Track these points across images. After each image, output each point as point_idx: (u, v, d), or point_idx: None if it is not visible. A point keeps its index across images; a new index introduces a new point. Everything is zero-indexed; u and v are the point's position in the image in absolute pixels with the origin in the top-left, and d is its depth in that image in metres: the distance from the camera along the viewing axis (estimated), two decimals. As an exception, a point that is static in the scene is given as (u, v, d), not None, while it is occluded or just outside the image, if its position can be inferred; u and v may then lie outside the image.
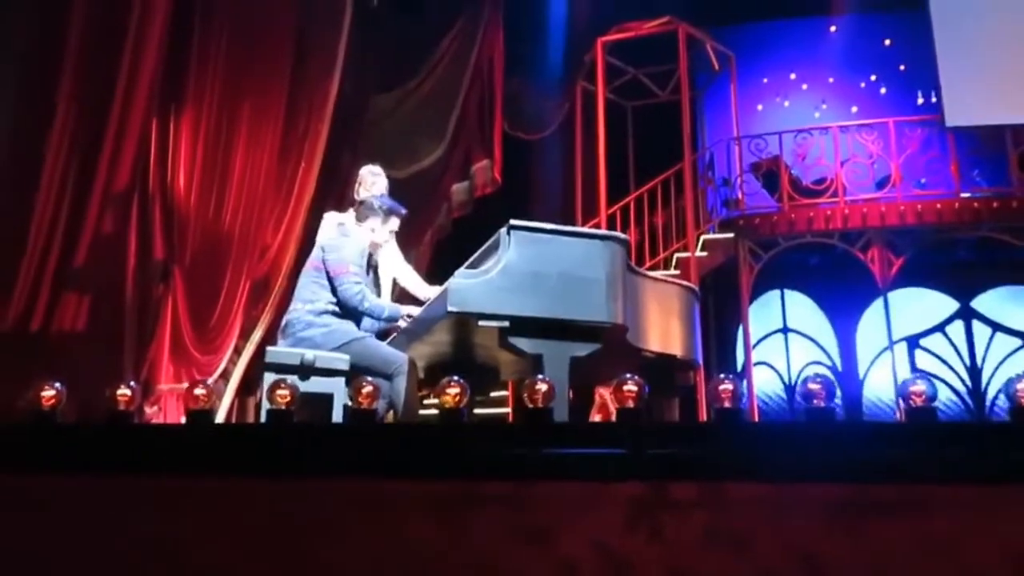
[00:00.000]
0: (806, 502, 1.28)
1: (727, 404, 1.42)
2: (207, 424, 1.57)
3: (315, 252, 3.92)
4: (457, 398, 1.48)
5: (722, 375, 1.46)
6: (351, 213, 4.24)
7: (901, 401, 1.41)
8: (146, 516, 1.41)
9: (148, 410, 5.13)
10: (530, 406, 1.45)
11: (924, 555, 1.23)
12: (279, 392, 1.55)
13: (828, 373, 8.53)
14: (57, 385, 1.63)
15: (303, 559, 1.35)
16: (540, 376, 1.51)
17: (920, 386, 1.40)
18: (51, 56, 4.74)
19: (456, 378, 1.52)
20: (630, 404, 1.42)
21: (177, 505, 1.41)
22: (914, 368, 8.33)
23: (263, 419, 3.61)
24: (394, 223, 4.07)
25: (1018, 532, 1.22)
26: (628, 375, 1.46)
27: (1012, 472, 1.25)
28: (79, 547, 1.42)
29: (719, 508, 1.29)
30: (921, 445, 1.31)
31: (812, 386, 1.42)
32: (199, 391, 1.58)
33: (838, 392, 1.48)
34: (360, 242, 3.92)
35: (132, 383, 1.65)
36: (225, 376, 5.70)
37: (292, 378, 3.52)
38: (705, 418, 7.30)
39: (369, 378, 1.64)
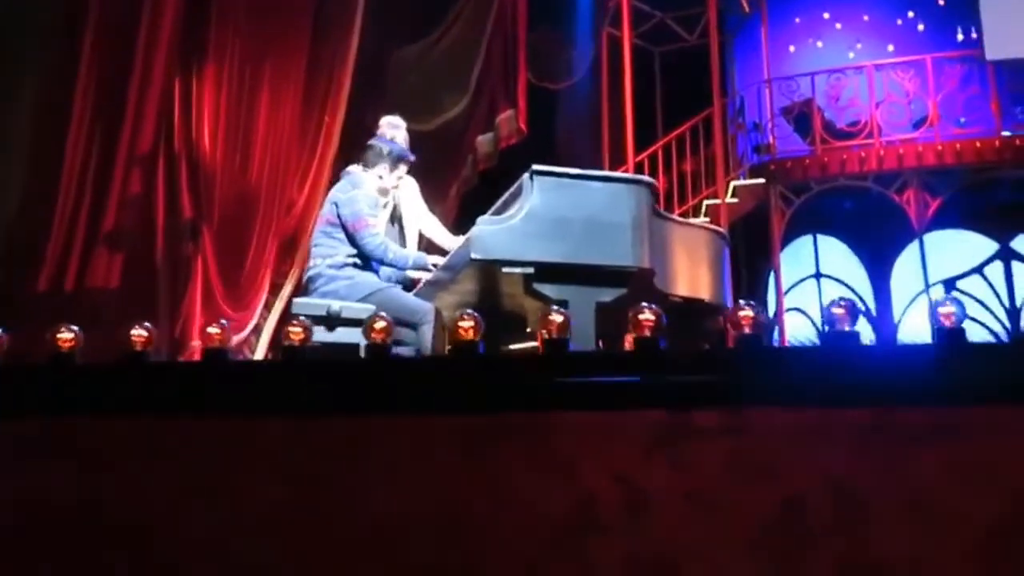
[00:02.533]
0: (834, 428, 1.25)
1: (748, 330, 1.38)
2: (222, 361, 1.57)
3: (327, 207, 3.90)
4: (471, 331, 1.46)
5: (742, 301, 1.42)
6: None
7: (931, 323, 1.36)
8: (170, 456, 1.42)
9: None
10: (546, 336, 1.43)
11: (961, 480, 1.20)
12: (292, 329, 1.55)
13: (852, 296, 8.41)
14: (75, 328, 1.64)
15: (325, 493, 1.36)
16: (556, 308, 1.49)
17: (949, 307, 1.35)
18: (73, 18, 4.73)
19: (470, 311, 1.51)
20: (647, 333, 1.40)
21: (200, 443, 1.42)
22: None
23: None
24: (402, 169, 4.04)
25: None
26: (644, 304, 1.43)
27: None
28: (104, 489, 1.44)
29: (742, 436, 1.27)
30: (952, 367, 1.27)
31: (836, 310, 1.38)
32: (213, 329, 1.58)
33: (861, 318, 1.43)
34: (369, 190, 3.89)
35: (147, 324, 1.65)
36: (257, 331, 5.77)
37: (318, 329, 3.56)
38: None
39: (383, 314, 1.63)
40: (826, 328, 1.38)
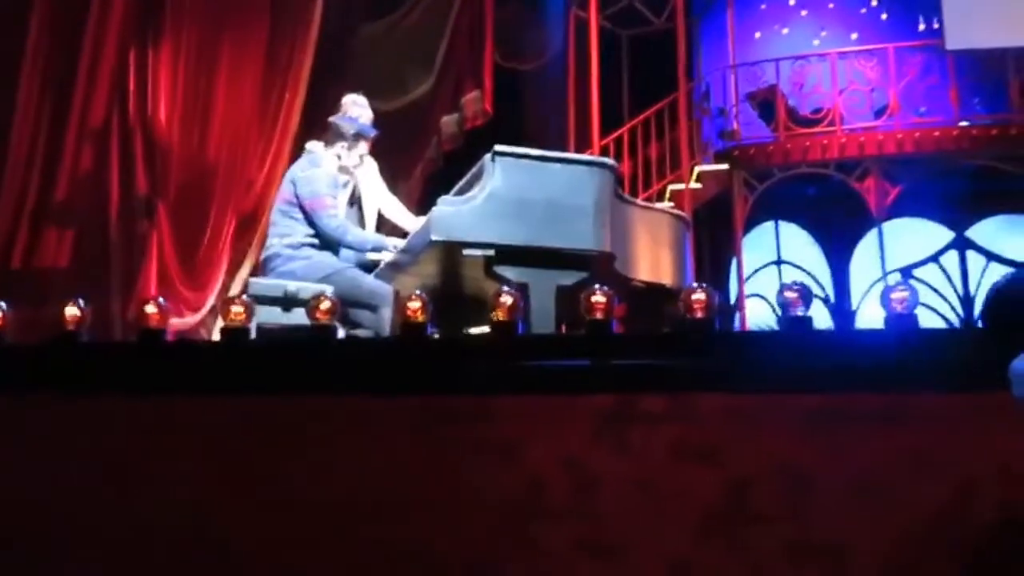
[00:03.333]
0: (781, 413, 1.25)
1: (699, 314, 1.37)
2: (160, 342, 1.52)
3: (285, 185, 3.83)
4: (419, 312, 1.43)
5: (694, 284, 1.41)
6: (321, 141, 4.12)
7: (882, 309, 1.36)
8: (108, 436, 1.38)
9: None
10: (495, 319, 1.41)
11: (909, 465, 1.21)
12: (233, 309, 1.50)
13: (809, 282, 8.53)
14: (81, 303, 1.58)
15: (274, 474, 1.33)
16: (506, 288, 1.46)
17: (901, 292, 1.35)
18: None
19: (418, 292, 1.47)
20: (598, 315, 1.38)
21: (141, 423, 1.38)
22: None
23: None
24: (363, 147, 3.98)
25: (1004, 441, 1.19)
26: (596, 286, 1.40)
27: (997, 379, 1.21)
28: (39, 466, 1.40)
29: (689, 420, 1.26)
30: (902, 353, 1.27)
31: (788, 294, 1.37)
32: (150, 308, 1.53)
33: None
34: (329, 170, 3.82)
35: (80, 302, 1.60)
36: (214, 312, 5.66)
37: (275, 310, 3.50)
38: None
39: (328, 292, 1.59)
40: (779, 313, 1.37)
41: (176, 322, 5.47)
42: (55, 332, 1.78)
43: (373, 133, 4.04)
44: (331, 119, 4.02)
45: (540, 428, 1.27)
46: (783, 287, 1.38)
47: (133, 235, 5.30)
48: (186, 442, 1.37)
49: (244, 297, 1.54)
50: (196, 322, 5.41)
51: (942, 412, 1.23)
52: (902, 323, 1.35)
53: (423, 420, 1.31)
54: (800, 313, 1.36)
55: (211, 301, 5.60)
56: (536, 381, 1.30)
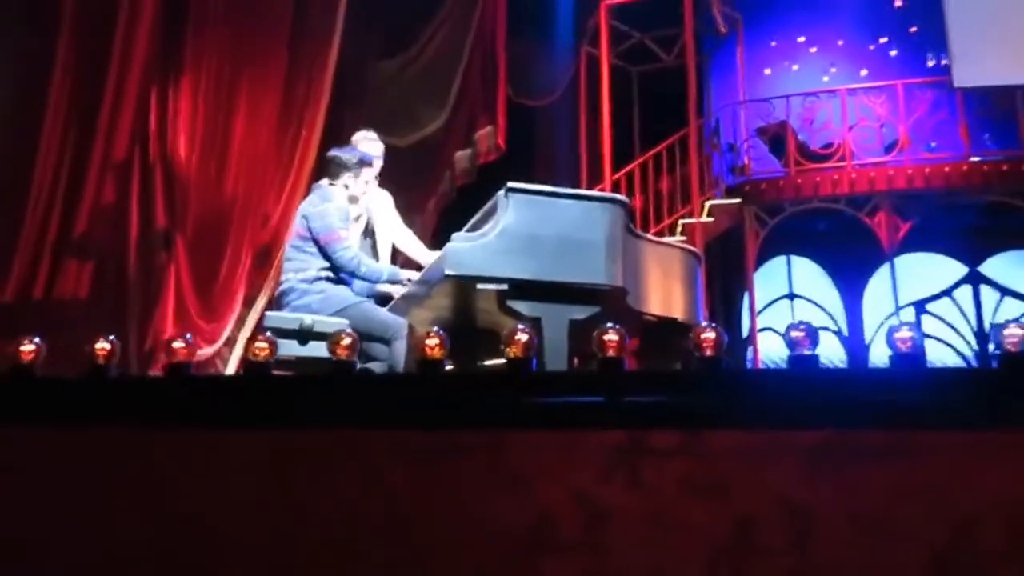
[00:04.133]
0: (788, 449, 1.27)
1: (708, 352, 1.40)
2: (185, 375, 1.56)
3: (298, 220, 3.89)
4: (436, 349, 1.47)
5: (703, 323, 1.44)
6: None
7: (887, 348, 1.39)
8: (125, 467, 1.41)
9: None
10: (510, 355, 1.44)
11: (910, 502, 1.22)
12: (257, 345, 1.54)
13: (823, 317, 8.50)
14: (36, 340, 1.63)
15: (283, 509, 1.36)
16: (520, 326, 1.50)
17: (906, 332, 1.38)
18: (48, 24, 4.70)
19: (436, 329, 1.51)
20: (610, 352, 1.41)
21: (155, 455, 1.41)
22: (921, 333, 8.27)
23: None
24: (368, 173, 4.04)
25: (1005, 480, 1.21)
26: (608, 324, 1.44)
27: (999, 419, 1.24)
28: (55, 501, 1.43)
29: (699, 456, 1.28)
30: (906, 391, 1.30)
31: (795, 333, 1.40)
32: (177, 344, 1.58)
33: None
34: (340, 203, 3.88)
35: (112, 337, 1.64)
36: (230, 343, 5.72)
37: (291, 343, 3.54)
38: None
39: (348, 330, 1.64)
40: (788, 350, 1.40)
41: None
42: (75, 363, 1.82)
43: (374, 159, 4.12)
44: (331, 153, 4.08)
45: (552, 463, 1.30)
46: (790, 326, 1.41)
47: (151, 267, 5.37)
48: (206, 473, 1.41)
49: (268, 333, 1.58)
50: (212, 353, 5.46)
51: (946, 449, 1.25)
52: (906, 362, 1.37)
53: (435, 456, 1.33)
54: (807, 351, 1.39)
55: (227, 333, 5.66)
56: (549, 417, 1.33)
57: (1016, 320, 1.33)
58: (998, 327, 1.33)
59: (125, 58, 4.93)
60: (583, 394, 1.34)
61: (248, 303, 5.87)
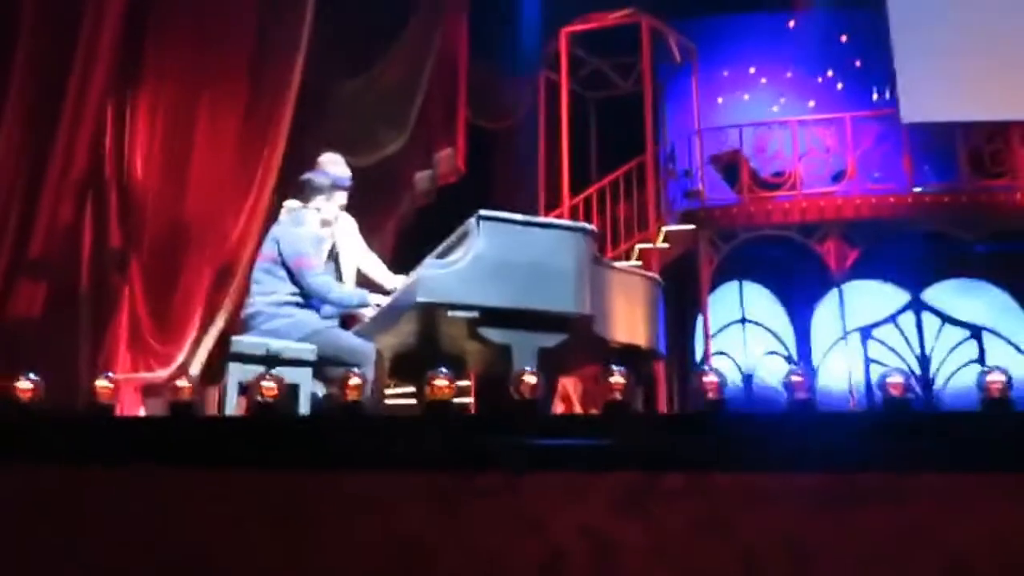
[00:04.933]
0: (791, 491, 1.32)
1: (712, 395, 1.45)
2: (193, 417, 1.55)
3: (268, 244, 3.84)
4: (445, 390, 1.48)
5: (706, 367, 1.49)
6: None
7: (878, 392, 1.45)
8: (131, 509, 1.39)
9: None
10: (518, 397, 1.46)
11: (906, 541, 1.28)
12: (265, 385, 1.54)
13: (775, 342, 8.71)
14: (33, 376, 1.59)
15: (296, 552, 1.35)
16: (529, 368, 1.52)
17: (897, 377, 1.44)
18: (4, 42, 4.59)
19: (443, 370, 1.53)
20: (617, 396, 1.44)
21: (165, 498, 1.39)
22: (867, 358, 8.54)
23: (227, 409, 3.60)
24: (340, 196, 4.03)
25: (996, 518, 1.27)
26: (615, 367, 1.47)
27: (987, 460, 1.30)
28: (58, 541, 1.40)
29: (706, 497, 1.32)
30: (901, 435, 1.36)
31: (794, 378, 1.46)
32: (182, 383, 1.56)
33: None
34: (312, 227, 3.86)
35: (111, 374, 1.61)
36: (185, 366, 5.59)
37: (257, 368, 3.49)
38: (666, 408, 7.41)
39: (356, 370, 1.64)
40: (785, 394, 1.46)
41: (146, 376, 5.41)
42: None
43: (348, 183, 4.11)
44: (304, 176, 4.06)
45: (564, 503, 1.32)
46: (789, 371, 1.47)
47: (104, 288, 5.24)
48: (209, 514, 1.39)
49: (275, 372, 1.57)
50: (168, 376, 5.33)
51: (941, 490, 1.31)
52: (900, 406, 1.44)
53: (447, 497, 1.34)
54: (804, 396, 1.45)
55: (182, 355, 5.54)
56: (560, 459, 1.36)
57: (998, 367, 1.41)
58: (983, 373, 1.41)
59: (84, 75, 4.83)
60: (594, 437, 1.37)
61: (205, 325, 5.76)
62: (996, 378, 1.38)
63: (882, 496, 1.30)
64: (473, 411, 6.73)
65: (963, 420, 1.40)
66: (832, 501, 1.31)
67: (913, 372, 8.45)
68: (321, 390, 3.80)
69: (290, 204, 4.13)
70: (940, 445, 1.33)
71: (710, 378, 1.45)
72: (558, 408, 6.23)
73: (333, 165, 4.54)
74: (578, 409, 6.20)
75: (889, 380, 1.44)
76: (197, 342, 5.66)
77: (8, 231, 4.46)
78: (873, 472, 1.31)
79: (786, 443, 1.36)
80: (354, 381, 1.53)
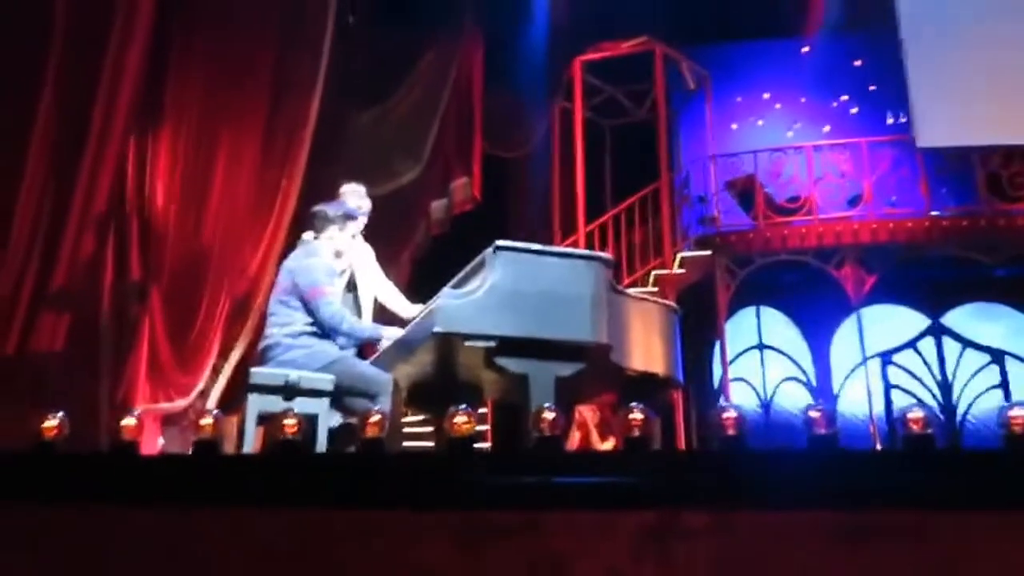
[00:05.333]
0: (814, 529, 1.31)
1: (732, 432, 1.44)
2: (214, 454, 1.56)
3: (283, 275, 3.86)
4: (466, 427, 1.49)
5: (725, 403, 1.49)
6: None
7: (899, 427, 1.44)
8: (149, 549, 1.40)
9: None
10: (536, 434, 1.47)
11: (931, 579, 1.26)
12: (286, 422, 1.54)
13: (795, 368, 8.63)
14: (60, 414, 1.61)
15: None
16: (547, 404, 1.52)
17: (918, 413, 1.43)
18: (29, 75, 4.69)
19: (464, 407, 1.53)
20: (636, 432, 1.44)
21: (181, 537, 1.40)
22: (887, 384, 8.45)
23: (247, 439, 3.61)
24: (352, 226, 4.05)
25: (1020, 557, 1.26)
26: (634, 403, 1.48)
27: (1010, 498, 1.29)
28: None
29: (728, 536, 1.31)
30: (922, 472, 1.35)
31: (812, 413, 1.45)
32: (205, 421, 1.57)
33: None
34: (326, 258, 3.89)
35: (136, 412, 1.63)
36: (203, 396, 5.63)
37: (276, 399, 3.51)
38: (684, 437, 7.36)
39: (372, 407, 1.65)
40: (805, 427, 1.45)
41: (164, 406, 5.45)
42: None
43: (360, 213, 4.14)
44: (316, 208, 4.08)
45: (585, 543, 1.32)
46: (808, 407, 1.46)
47: (125, 319, 5.29)
48: (226, 555, 1.39)
49: (295, 410, 1.58)
50: (186, 406, 5.37)
51: (965, 529, 1.30)
52: (921, 443, 1.43)
53: (468, 537, 1.34)
54: (824, 432, 1.44)
55: (201, 385, 5.58)
56: (581, 497, 1.35)
57: (1020, 402, 1.40)
58: (1004, 408, 1.40)
59: (107, 111, 4.92)
60: (613, 475, 1.36)
61: (224, 354, 5.80)
62: (1019, 413, 1.37)
63: (905, 534, 1.28)
64: (490, 440, 6.72)
65: (986, 458, 1.39)
66: (855, 539, 1.29)
67: (935, 397, 8.36)
68: (338, 419, 3.82)
69: (306, 236, 4.18)
70: (963, 483, 1.32)
71: (729, 414, 1.45)
72: (575, 436, 6.21)
73: (354, 195, 4.59)
74: (596, 437, 6.16)
75: (910, 416, 1.43)
76: (216, 372, 5.71)
77: (32, 264, 4.52)
78: (897, 510, 1.30)
79: (809, 480, 1.35)
80: (375, 418, 1.54)
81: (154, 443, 5.21)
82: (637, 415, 1.45)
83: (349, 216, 4.03)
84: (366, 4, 7.68)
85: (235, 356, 5.80)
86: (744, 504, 1.33)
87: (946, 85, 7.45)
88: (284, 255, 5.83)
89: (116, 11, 5.06)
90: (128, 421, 1.56)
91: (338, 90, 7.10)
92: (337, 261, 4.13)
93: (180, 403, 5.41)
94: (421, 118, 8.01)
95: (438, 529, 1.34)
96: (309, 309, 3.75)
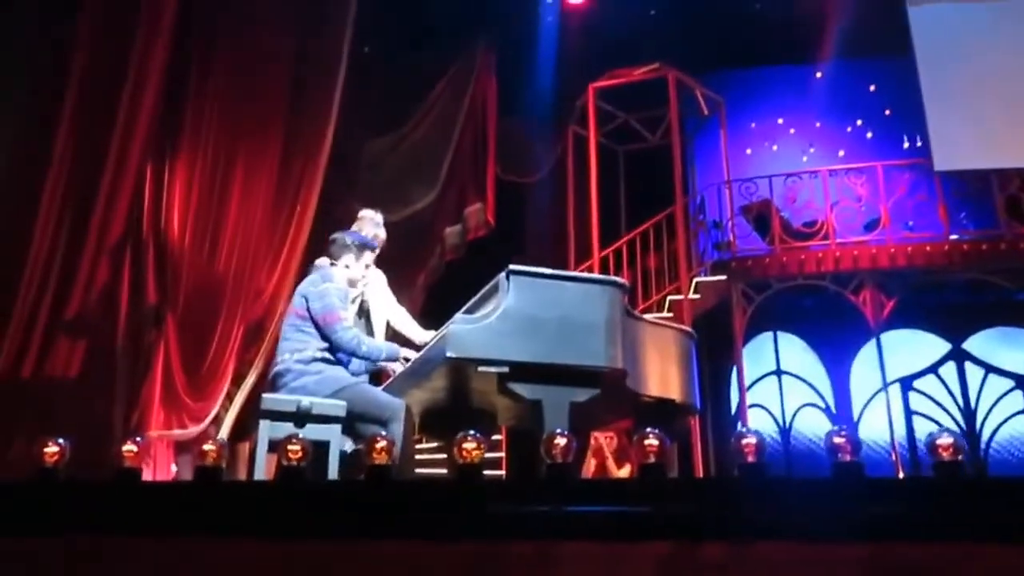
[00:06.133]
0: (836, 562, 1.25)
1: (751, 459, 1.39)
2: (216, 482, 1.52)
3: (297, 300, 3.84)
4: (474, 453, 1.45)
5: (744, 429, 1.44)
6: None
7: (928, 454, 1.39)
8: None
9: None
10: (549, 461, 1.42)
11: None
12: (290, 448, 1.51)
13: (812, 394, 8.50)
14: (60, 441, 1.58)
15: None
16: (559, 430, 1.48)
17: (948, 439, 1.38)
18: (48, 104, 4.75)
19: (473, 432, 1.49)
20: (651, 459, 1.40)
21: (181, 566, 1.36)
22: (908, 411, 8.31)
23: (258, 466, 3.58)
24: (368, 257, 4.05)
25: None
26: (649, 429, 1.43)
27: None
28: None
29: (747, 570, 1.26)
30: (951, 502, 1.29)
31: (837, 439, 1.40)
32: (208, 447, 1.54)
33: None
34: (340, 284, 3.87)
35: (139, 439, 1.60)
36: (217, 422, 5.61)
37: (288, 425, 3.49)
38: (702, 464, 7.25)
39: (383, 433, 1.61)
40: (827, 454, 1.40)
41: (177, 433, 5.43)
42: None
43: (375, 244, 4.14)
44: (334, 235, 4.08)
45: (598, 575, 1.27)
46: (831, 432, 1.41)
47: (140, 344, 5.31)
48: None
49: (305, 428, 1.55)
50: (199, 432, 5.35)
51: (994, 562, 1.24)
52: (951, 471, 1.37)
53: (477, 568, 1.30)
54: (849, 459, 1.39)
55: (214, 411, 5.57)
56: (593, 528, 1.31)
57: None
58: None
59: (124, 138, 4.97)
60: (629, 504, 1.32)
61: (237, 381, 5.80)
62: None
63: (932, 568, 1.23)
64: (504, 467, 6.64)
65: (1016, 487, 1.32)
66: (881, 573, 1.24)
67: (958, 424, 8.20)
68: (350, 446, 3.78)
69: (319, 262, 4.17)
70: (992, 513, 1.26)
71: (749, 439, 1.40)
72: (591, 463, 6.12)
73: (371, 223, 4.60)
74: (612, 464, 6.08)
75: (940, 442, 1.38)
76: (229, 398, 5.70)
77: (48, 290, 4.54)
78: (923, 542, 1.24)
79: (831, 511, 1.29)
80: (381, 444, 1.50)
81: (167, 469, 5.19)
82: (652, 441, 1.40)
83: (365, 246, 4.03)
84: (381, 33, 7.76)
85: (248, 382, 5.79)
86: (765, 535, 1.27)
87: (963, 108, 7.40)
88: (298, 281, 5.86)
89: (135, 40, 5.13)
90: (129, 448, 1.53)
91: (353, 117, 7.16)
92: (351, 289, 4.12)
93: (193, 429, 5.39)
94: (435, 144, 8.05)
95: (445, 560, 1.30)
96: (324, 334, 3.73)
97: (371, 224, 4.50)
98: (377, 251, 4.37)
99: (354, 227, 4.52)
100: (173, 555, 1.39)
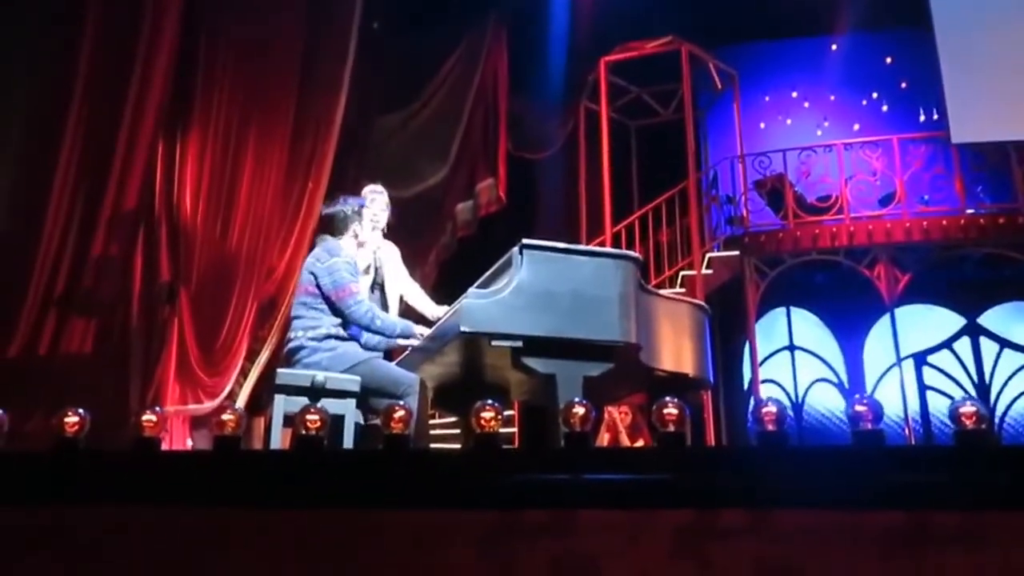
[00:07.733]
0: (859, 530, 1.24)
1: (771, 427, 1.38)
2: (236, 452, 1.53)
3: (305, 277, 3.80)
4: (492, 423, 1.44)
5: (766, 398, 1.43)
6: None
7: (951, 423, 1.38)
8: (173, 548, 1.37)
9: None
10: (566, 430, 1.42)
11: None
12: (309, 418, 1.51)
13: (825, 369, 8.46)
14: (80, 411, 1.59)
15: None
16: (577, 400, 1.47)
17: (971, 407, 1.36)
18: (60, 80, 4.74)
19: (490, 402, 1.48)
20: (671, 428, 1.39)
21: (200, 534, 1.37)
22: (922, 385, 8.27)
23: (273, 441, 3.60)
24: (367, 213, 4.06)
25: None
26: (668, 398, 1.42)
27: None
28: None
29: (769, 537, 1.26)
30: (978, 469, 1.28)
31: (858, 408, 1.39)
32: (227, 416, 1.54)
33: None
34: (348, 256, 3.84)
35: (158, 408, 1.61)
36: (231, 397, 5.65)
37: (302, 400, 3.50)
38: (714, 439, 7.25)
39: (401, 402, 1.61)
40: (849, 426, 1.39)
41: (193, 408, 5.47)
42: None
43: (364, 202, 4.15)
44: (327, 212, 4.02)
45: (618, 544, 1.27)
46: (852, 401, 1.40)
47: (154, 321, 5.32)
48: (247, 555, 1.36)
49: (320, 405, 1.55)
50: (213, 408, 5.39)
51: (1021, 530, 1.23)
52: (975, 439, 1.36)
53: (494, 537, 1.30)
54: (871, 427, 1.37)
55: (229, 386, 5.59)
56: (613, 496, 1.30)
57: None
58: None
59: (137, 113, 4.96)
60: (647, 472, 1.31)
61: (251, 356, 5.82)
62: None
63: (959, 536, 1.22)
64: (517, 441, 6.67)
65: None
66: (905, 541, 1.23)
67: (972, 399, 8.14)
68: (361, 419, 3.79)
69: (322, 236, 4.15)
70: (1019, 480, 1.24)
71: (769, 408, 1.39)
72: (604, 438, 6.14)
73: (371, 193, 4.58)
74: (625, 439, 6.09)
75: (963, 411, 1.36)
76: (244, 373, 5.73)
77: (62, 267, 4.56)
78: (950, 511, 1.23)
79: (854, 478, 1.28)
80: (399, 414, 1.50)
81: (183, 445, 5.23)
82: (672, 409, 1.40)
83: (361, 206, 4.02)
84: (391, 9, 7.69)
85: (263, 358, 5.82)
86: (787, 503, 1.27)
87: (981, 79, 7.28)
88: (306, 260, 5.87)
89: (145, 15, 5.10)
90: (149, 417, 1.54)
91: (364, 94, 7.12)
92: (361, 252, 4.10)
93: (208, 405, 5.42)
94: (447, 120, 8.01)
95: (463, 529, 1.30)
96: (337, 310, 3.71)
97: (370, 194, 4.50)
98: (384, 218, 4.39)
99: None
100: (194, 523, 1.40)
